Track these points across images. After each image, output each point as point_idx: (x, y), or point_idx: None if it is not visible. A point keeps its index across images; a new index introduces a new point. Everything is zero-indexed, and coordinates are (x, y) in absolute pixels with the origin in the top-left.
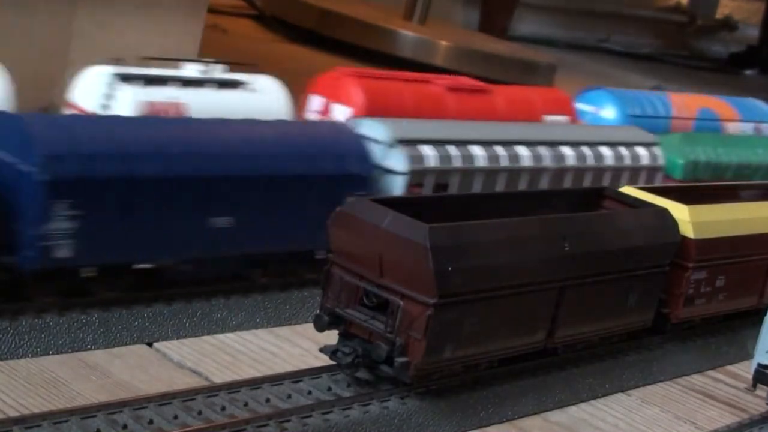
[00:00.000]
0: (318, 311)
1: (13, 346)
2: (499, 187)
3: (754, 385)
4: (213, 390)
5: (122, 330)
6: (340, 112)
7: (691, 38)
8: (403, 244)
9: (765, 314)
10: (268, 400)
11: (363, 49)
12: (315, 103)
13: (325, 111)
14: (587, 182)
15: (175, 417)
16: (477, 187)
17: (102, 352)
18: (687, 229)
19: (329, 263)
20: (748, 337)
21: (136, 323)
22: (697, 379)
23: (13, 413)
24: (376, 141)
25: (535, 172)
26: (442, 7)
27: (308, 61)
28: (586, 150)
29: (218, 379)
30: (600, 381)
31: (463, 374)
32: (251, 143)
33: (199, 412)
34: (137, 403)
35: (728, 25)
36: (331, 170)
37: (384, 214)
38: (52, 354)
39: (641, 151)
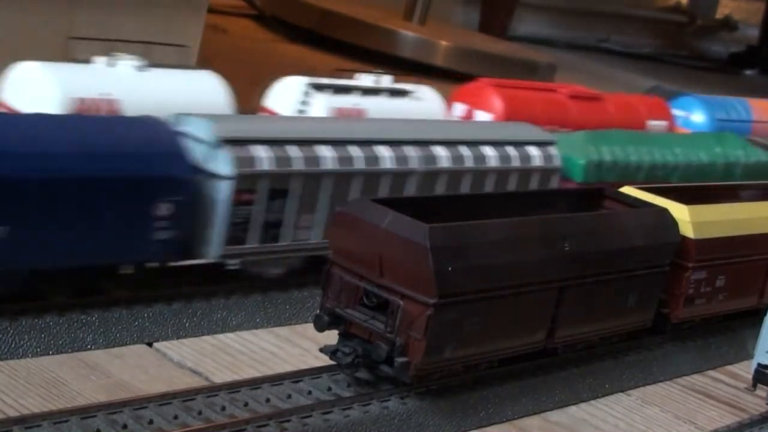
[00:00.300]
0: (318, 311)
1: (13, 346)
2: (354, 193)
3: (754, 385)
4: (213, 390)
5: (122, 330)
6: (482, 119)
7: (691, 38)
8: (403, 244)
9: (765, 314)
10: (268, 400)
11: (363, 49)
12: (458, 110)
13: (468, 117)
14: (465, 187)
15: (175, 417)
16: (325, 194)
17: (102, 352)
18: (687, 229)
19: (329, 263)
20: (748, 337)
21: (136, 323)
22: (697, 379)
23: (13, 413)
24: (199, 140)
25: (400, 175)
26: (442, 7)
27: (308, 61)
28: (464, 150)
29: (218, 379)
30: (600, 381)
31: (463, 374)
32: (32, 140)
33: (199, 412)
34: (137, 403)
35: (728, 25)
36: (134, 172)
37: (384, 214)
38: (52, 354)
39: (533, 150)
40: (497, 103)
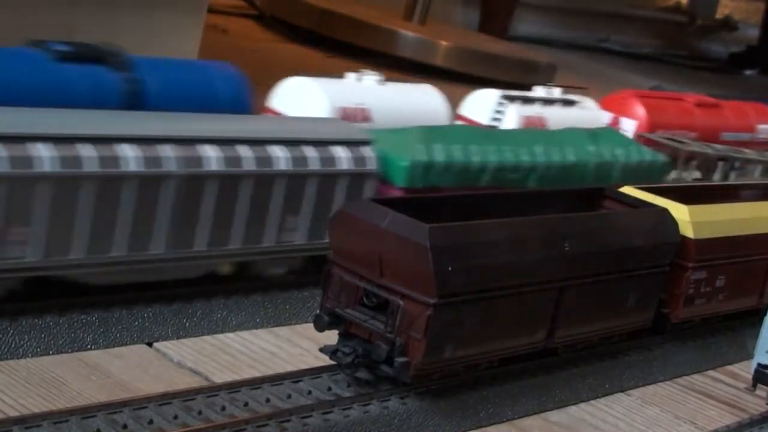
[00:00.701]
0: (318, 311)
1: (13, 346)
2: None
3: (754, 385)
4: (213, 390)
5: (122, 330)
6: (627, 125)
7: (691, 38)
8: (403, 244)
9: (765, 314)
10: (268, 400)
11: (363, 49)
12: (606, 118)
13: (615, 125)
14: (244, 196)
15: (175, 417)
16: (43, 203)
17: (102, 352)
18: (687, 229)
19: (329, 263)
20: (748, 337)
21: (136, 323)
22: (697, 379)
23: (13, 413)
24: None
25: (149, 179)
26: (442, 8)
27: (308, 61)
28: (243, 150)
29: (218, 379)
30: (600, 381)
31: (463, 374)
32: None
33: (199, 412)
34: (137, 403)
35: (728, 25)
36: None
37: (384, 214)
38: (52, 354)
39: (340, 151)
40: (640, 110)
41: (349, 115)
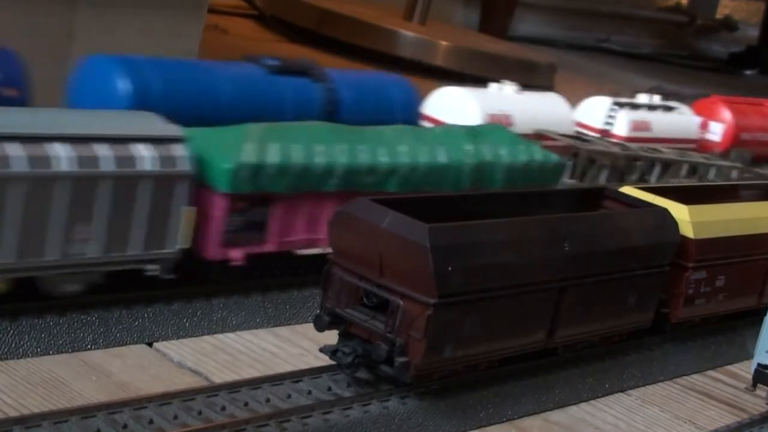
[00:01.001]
0: (318, 311)
1: (13, 346)
2: None
3: (754, 385)
4: (213, 390)
5: (122, 330)
6: (715, 128)
7: (691, 38)
8: (403, 244)
9: (765, 314)
10: (268, 400)
11: (363, 49)
12: (696, 121)
13: (704, 128)
14: (16, 203)
15: (175, 417)
16: None
17: (102, 352)
18: (687, 229)
19: (329, 263)
20: (748, 337)
21: (136, 323)
22: (697, 379)
23: (13, 413)
24: None
25: None
26: (442, 8)
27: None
28: (13, 149)
29: (218, 379)
30: (600, 381)
31: (463, 374)
32: None
33: (199, 412)
34: (137, 403)
35: (728, 25)
36: None
37: (384, 214)
38: (52, 354)
39: (142, 150)
40: (727, 114)
41: (495, 121)
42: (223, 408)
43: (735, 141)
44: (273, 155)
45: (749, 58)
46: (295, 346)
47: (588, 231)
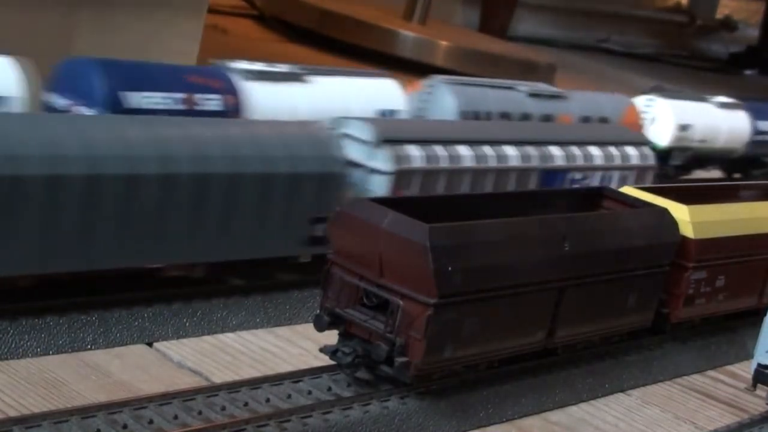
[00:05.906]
0: (318, 311)
1: (13, 346)
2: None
3: (754, 385)
4: (213, 390)
5: (122, 330)
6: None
7: (691, 38)
8: (403, 244)
9: (765, 314)
10: (268, 400)
11: (363, 49)
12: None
13: None
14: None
15: (175, 417)
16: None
17: (102, 352)
18: (687, 229)
19: (329, 263)
20: (748, 337)
21: (136, 323)
22: (697, 379)
23: (13, 413)
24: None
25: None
26: (442, 7)
27: (308, 61)
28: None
29: (218, 379)
30: (600, 381)
31: (463, 374)
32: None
33: (199, 412)
34: (137, 403)
35: (728, 25)
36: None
37: (384, 214)
38: (52, 354)
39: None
40: None
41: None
42: (223, 408)
43: None
44: None
45: (749, 58)
46: (295, 346)
47: (588, 231)
